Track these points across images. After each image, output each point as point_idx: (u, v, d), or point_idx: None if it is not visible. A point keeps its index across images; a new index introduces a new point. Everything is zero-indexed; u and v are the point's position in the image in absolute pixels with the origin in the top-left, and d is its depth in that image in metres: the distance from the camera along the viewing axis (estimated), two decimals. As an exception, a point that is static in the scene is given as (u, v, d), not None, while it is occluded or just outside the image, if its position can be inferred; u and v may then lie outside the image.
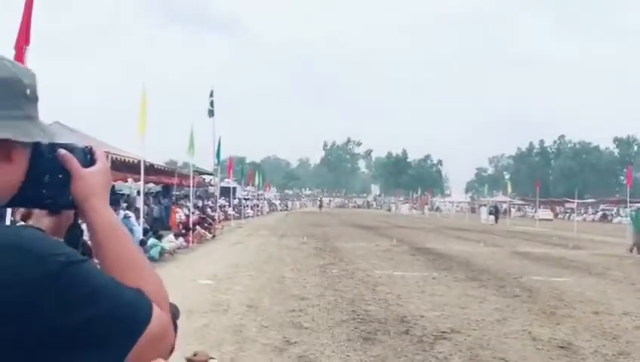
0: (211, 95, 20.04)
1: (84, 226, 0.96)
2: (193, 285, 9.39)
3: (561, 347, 5.95)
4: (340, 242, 19.05)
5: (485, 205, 49.02)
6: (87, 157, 0.95)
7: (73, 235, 0.98)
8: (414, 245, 18.48)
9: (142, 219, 13.76)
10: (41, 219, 1.00)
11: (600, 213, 63.02)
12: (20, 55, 5.24)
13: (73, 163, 0.91)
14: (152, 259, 11.97)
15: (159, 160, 18.52)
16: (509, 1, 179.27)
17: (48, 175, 0.90)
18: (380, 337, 6.15)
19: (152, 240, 12.32)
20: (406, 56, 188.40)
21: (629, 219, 20.68)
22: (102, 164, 0.96)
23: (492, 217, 42.04)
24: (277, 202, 68.36)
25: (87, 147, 0.97)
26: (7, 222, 3.56)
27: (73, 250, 0.81)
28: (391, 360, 5.35)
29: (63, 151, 0.91)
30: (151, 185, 28.89)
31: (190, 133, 17.04)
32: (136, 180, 28.98)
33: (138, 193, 26.21)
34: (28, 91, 0.86)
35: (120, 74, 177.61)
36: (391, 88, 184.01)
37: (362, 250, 16.09)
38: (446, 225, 37.66)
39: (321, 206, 67.25)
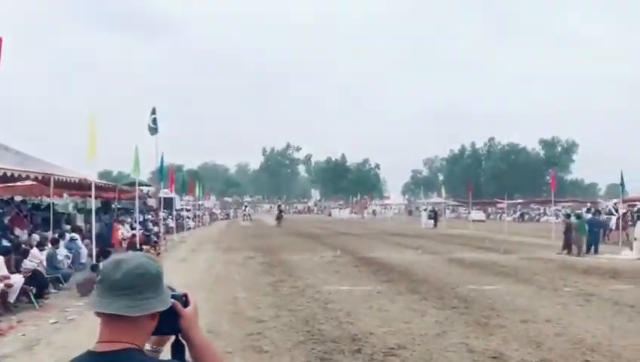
0: (153, 112, 20.09)
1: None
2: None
3: (494, 357, 6.76)
4: (285, 254, 19.59)
5: (425, 209, 50.85)
6: (184, 299, 1.62)
7: (178, 348, 1.62)
8: (357, 255, 19.29)
9: (94, 241, 13.75)
10: (153, 338, 1.62)
11: (523, 214, 66.64)
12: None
13: (179, 307, 1.59)
14: (104, 284, 12.09)
15: (93, 172, 18.33)
16: (441, 8, 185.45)
17: (164, 315, 1.55)
18: (335, 357, 6.76)
19: (102, 265, 12.41)
20: (343, 61, 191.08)
21: (562, 220, 22.42)
22: (193, 305, 1.63)
23: (431, 221, 43.80)
24: (217, 211, 67.99)
25: (184, 294, 1.64)
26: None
27: None
28: (347, 379, 5.97)
29: (173, 301, 1.58)
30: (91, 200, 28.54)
31: (135, 152, 17.12)
32: (72, 195, 28.59)
33: (79, 211, 25.86)
34: (161, 275, 1.57)
35: (48, 80, 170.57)
36: (329, 93, 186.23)
37: (309, 263, 16.71)
38: (386, 230, 38.92)
39: (280, 217, 45.84)
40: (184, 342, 1.61)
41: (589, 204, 38.03)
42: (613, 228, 24.30)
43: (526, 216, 66.26)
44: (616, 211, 25.61)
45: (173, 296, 1.58)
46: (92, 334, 6.18)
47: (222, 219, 62.70)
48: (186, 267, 16.54)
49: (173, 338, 1.63)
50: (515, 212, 67.44)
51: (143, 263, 1.55)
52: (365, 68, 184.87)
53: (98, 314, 1.53)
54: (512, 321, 8.70)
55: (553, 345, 7.31)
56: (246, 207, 58.00)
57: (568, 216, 25.23)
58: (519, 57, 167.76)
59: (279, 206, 52.97)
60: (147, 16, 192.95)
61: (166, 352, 1.63)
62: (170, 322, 1.57)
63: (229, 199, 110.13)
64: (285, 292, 11.62)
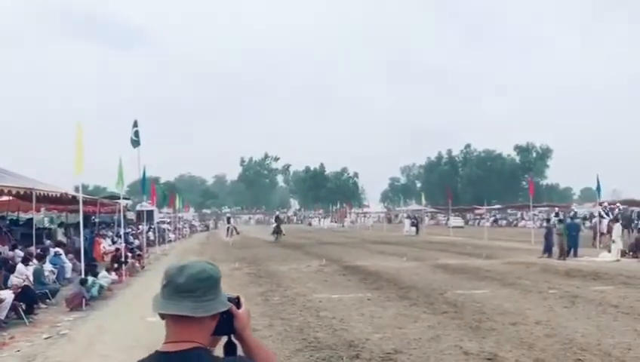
0: (135, 125, 20.00)
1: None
2: (143, 323, 9.62)
3: (489, 359, 6.93)
4: (271, 264, 19.61)
5: (408, 217, 51.28)
6: (237, 301, 1.71)
7: (231, 347, 1.71)
8: (343, 263, 19.40)
9: (82, 255, 13.61)
10: (208, 338, 1.70)
11: (497, 220, 67.66)
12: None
13: (234, 309, 1.69)
14: (93, 297, 12.01)
15: (69, 184, 18.06)
16: (416, 14, 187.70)
17: (221, 317, 1.66)
18: (334, 363, 6.86)
19: (90, 279, 12.32)
20: (320, 69, 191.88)
21: (545, 224, 22.71)
22: (245, 307, 1.73)
23: (414, 229, 44.22)
24: (197, 223, 67.53)
25: (237, 297, 1.74)
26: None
27: None
28: (349, 384, 6.07)
29: (228, 303, 1.67)
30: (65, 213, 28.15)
31: (119, 166, 17.02)
32: (49, 209, 28.21)
33: (59, 225, 25.53)
34: (220, 279, 1.69)
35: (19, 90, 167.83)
36: (306, 102, 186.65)
37: (296, 273, 16.77)
38: (368, 238, 39.13)
39: (279, 231, 36.87)
40: (236, 342, 1.71)
41: (557, 209, 38.86)
42: (605, 231, 24.10)
43: (501, 222, 67.31)
44: (607, 214, 25.82)
45: (228, 299, 1.68)
46: (86, 348, 6.30)
47: (201, 231, 62.31)
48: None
49: (225, 338, 1.71)
50: (492, 216, 68.39)
51: (206, 268, 1.65)
52: (341, 77, 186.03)
53: (163, 316, 1.63)
54: (502, 324, 8.90)
55: (545, 345, 7.51)
56: (229, 219, 43.91)
57: (548, 220, 25.77)
58: (493, 66, 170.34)
59: (277, 217, 41.70)
60: (120, 27, 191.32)
61: (218, 352, 1.73)
62: (225, 323, 1.67)
63: (208, 211, 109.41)
64: (276, 301, 11.66)
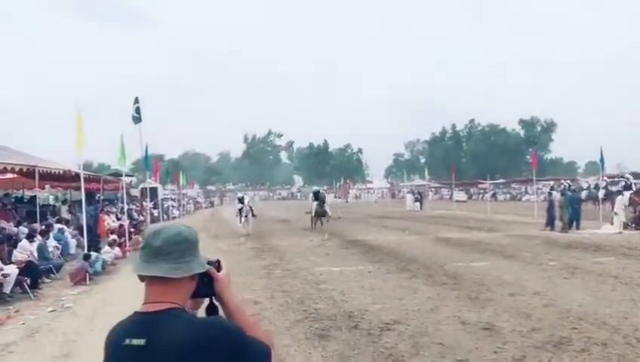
0: (136, 101, 19.93)
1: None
2: (146, 297, 9.78)
3: (486, 328, 7.01)
4: (274, 239, 19.75)
5: (411, 192, 51.22)
6: (217, 265, 1.76)
7: (212, 309, 1.75)
8: (345, 238, 19.51)
9: (85, 232, 13.74)
10: (188, 302, 1.74)
11: (495, 194, 67.52)
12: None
13: (213, 272, 1.74)
14: (96, 272, 12.16)
15: (72, 162, 18.12)
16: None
17: (200, 279, 1.71)
18: (333, 333, 6.96)
19: (94, 254, 12.47)
20: (320, 46, 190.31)
21: (552, 198, 22.59)
22: (226, 270, 1.78)
23: (417, 204, 44.23)
24: (201, 200, 67.83)
25: (218, 261, 1.78)
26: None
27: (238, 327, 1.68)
28: (347, 353, 6.16)
29: (207, 266, 1.73)
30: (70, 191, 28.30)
31: (121, 142, 17.05)
32: (54, 187, 28.35)
33: (63, 202, 25.68)
34: (198, 242, 1.73)
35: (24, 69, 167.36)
36: (309, 79, 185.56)
37: (298, 247, 16.89)
38: (371, 213, 39.27)
39: (321, 212, 25.39)
40: (218, 304, 1.75)
41: (563, 182, 38.70)
42: (627, 204, 23.28)
43: (505, 196, 67.28)
44: (629, 187, 25.41)
45: (207, 263, 1.73)
46: (90, 320, 6.39)
47: (206, 208, 62.65)
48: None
49: (207, 301, 1.76)
50: (488, 191, 68.40)
51: (182, 231, 1.70)
52: (344, 52, 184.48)
53: (142, 277, 1.68)
54: (500, 295, 8.98)
55: (542, 315, 7.59)
56: (242, 198, 24.93)
57: (550, 193, 25.73)
58: (495, 39, 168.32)
59: (317, 192, 26.87)
60: (125, 7, 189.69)
61: (201, 315, 1.77)
62: (205, 285, 1.71)
63: (212, 187, 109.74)
64: (278, 274, 11.79)
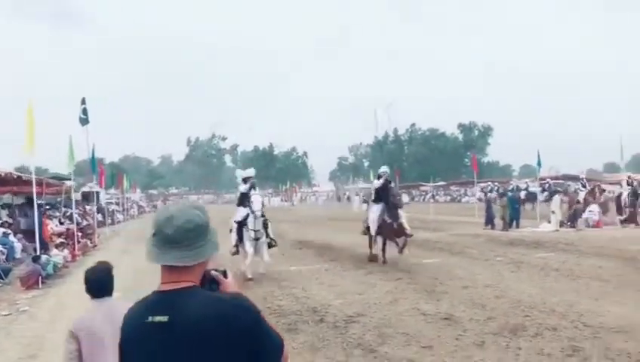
0: (83, 102, 19.50)
1: None
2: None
3: (445, 318, 7.40)
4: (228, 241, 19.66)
5: (357, 194, 52.00)
6: (224, 274, 1.85)
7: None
8: (298, 239, 19.71)
9: (37, 234, 13.30)
10: (200, 277, 1.75)
11: (434, 195, 69.74)
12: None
13: (220, 278, 1.82)
14: (49, 275, 11.84)
15: (6, 164, 17.46)
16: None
17: (207, 286, 1.77)
18: (301, 327, 7.16)
19: (44, 257, 12.14)
20: (264, 50, 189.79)
21: (489, 198, 23.66)
22: (232, 278, 1.87)
23: (365, 205, 44.91)
24: (144, 204, 66.32)
25: (224, 270, 1.88)
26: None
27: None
28: (317, 344, 6.38)
29: (214, 273, 1.82)
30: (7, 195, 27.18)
31: (69, 145, 16.65)
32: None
33: (1, 207, 24.62)
34: (209, 224, 1.82)
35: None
36: (254, 81, 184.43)
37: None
38: (320, 215, 39.59)
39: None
40: None
41: (497, 184, 40.65)
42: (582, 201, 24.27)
43: (445, 198, 69.35)
44: (584, 186, 26.76)
45: (216, 270, 1.82)
46: (49, 323, 6.42)
47: (149, 212, 61.25)
48: (130, 258, 16.29)
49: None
50: (436, 194, 70.32)
51: (192, 218, 1.75)
52: (287, 56, 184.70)
53: None
54: (454, 288, 9.43)
55: (495, 305, 8.06)
56: (246, 199, 11.65)
57: (487, 194, 26.98)
58: (435, 46, 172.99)
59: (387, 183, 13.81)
60: (57, 4, 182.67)
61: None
62: (210, 289, 1.78)
63: (155, 192, 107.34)
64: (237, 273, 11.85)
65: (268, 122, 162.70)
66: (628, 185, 22.64)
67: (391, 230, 12.73)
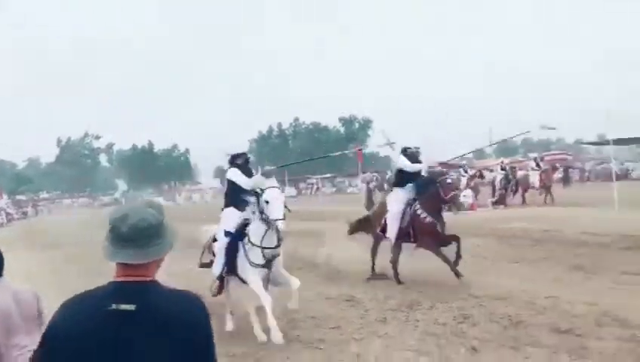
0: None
1: None
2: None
3: (348, 300, 7.86)
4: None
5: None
6: None
7: None
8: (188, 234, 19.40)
9: None
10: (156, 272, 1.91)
11: (319, 188, 71.89)
12: None
13: None
14: None
15: None
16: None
17: None
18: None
19: None
20: (145, 44, 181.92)
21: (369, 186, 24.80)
22: None
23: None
24: (12, 211, 61.14)
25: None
26: None
27: None
28: (226, 334, 6.50)
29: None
30: None
31: None
32: None
33: None
34: (164, 221, 1.93)
35: None
36: (127, 78, 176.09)
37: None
38: (209, 213, 38.98)
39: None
40: None
41: (375, 174, 42.90)
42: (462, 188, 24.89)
43: (330, 189, 71.48)
44: (465, 172, 27.34)
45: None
46: None
47: (18, 219, 56.65)
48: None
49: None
50: (323, 186, 72.16)
51: (146, 216, 1.84)
52: (168, 50, 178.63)
53: None
54: (353, 272, 9.94)
55: (391, 285, 8.69)
56: (256, 198, 6.92)
57: (368, 183, 28.44)
58: (323, 43, 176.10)
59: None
60: None
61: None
62: None
63: (23, 197, 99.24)
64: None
65: (146, 120, 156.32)
66: (502, 169, 24.58)
67: (432, 233, 8.71)
